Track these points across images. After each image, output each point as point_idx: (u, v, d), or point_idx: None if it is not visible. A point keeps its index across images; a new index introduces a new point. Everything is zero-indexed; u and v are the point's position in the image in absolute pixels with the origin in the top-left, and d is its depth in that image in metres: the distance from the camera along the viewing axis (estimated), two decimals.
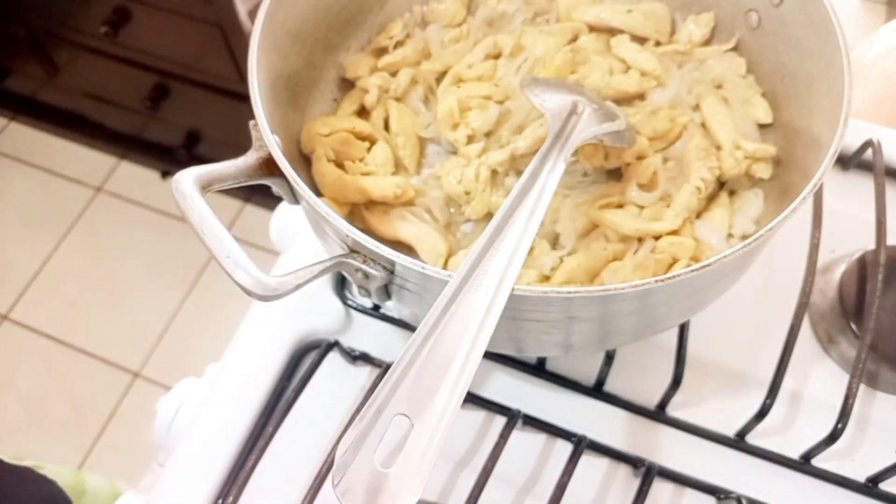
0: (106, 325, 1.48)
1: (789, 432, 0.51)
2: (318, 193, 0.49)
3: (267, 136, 0.39)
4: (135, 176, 1.67)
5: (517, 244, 0.32)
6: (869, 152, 0.57)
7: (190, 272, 1.53)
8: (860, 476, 0.49)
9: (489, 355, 0.54)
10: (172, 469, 0.51)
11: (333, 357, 0.54)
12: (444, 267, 0.46)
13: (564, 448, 0.50)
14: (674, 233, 0.47)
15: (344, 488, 0.26)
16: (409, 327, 0.55)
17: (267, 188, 0.42)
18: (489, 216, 0.49)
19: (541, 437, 0.52)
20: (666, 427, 0.52)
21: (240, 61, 1.18)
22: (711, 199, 0.50)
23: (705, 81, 0.53)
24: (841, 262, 0.57)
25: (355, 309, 0.57)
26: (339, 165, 0.50)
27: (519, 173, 0.48)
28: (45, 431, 1.37)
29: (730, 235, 0.48)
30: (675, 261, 0.46)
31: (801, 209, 0.37)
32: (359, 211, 0.50)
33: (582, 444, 0.50)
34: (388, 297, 0.40)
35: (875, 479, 0.49)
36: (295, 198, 0.43)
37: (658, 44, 0.56)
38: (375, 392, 0.28)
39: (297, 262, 0.58)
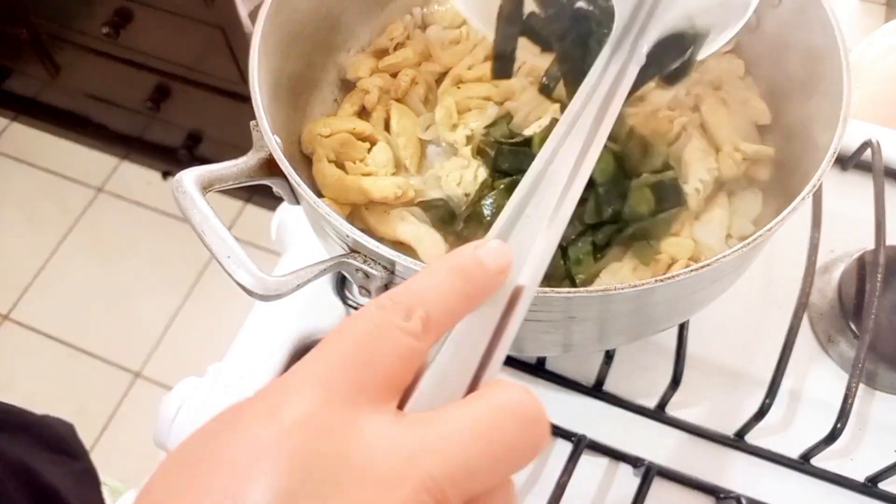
0: (107, 324, 1.48)
1: (788, 432, 0.51)
2: (319, 194, 0.49)
3: (268, 136, 0.39)
4: (136, 176, 1.67)
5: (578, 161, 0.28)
6: (868, 152, 0.57)
7: (191, 272, 1.53)
8: (859, 476, 0.50)
9: None
10: None
11: None
12: None
13: (564, 447, 0.50)
14: (672, 233, 0.47)
15: None
16: None
17: (268, 188, 0.43)
18: None
19: None
20: (665, 426, 0.52)
21: (241, 62, 1.19)
22: (710, 199, 0.50)
23: (704, 83, 0.53)
24: (840, 262, 0.57)
25: (356, 309, 0.57)
26: (340, 166, 0.50)
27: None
28: None
29: (728, 236, 0.49)
30: (673, 261, 0.46)
31: (800, 210, 0.37)
32: (359, 211, 0.50)
33: (581, 444, 0.50)
34: None
35: (874, 479, 0.49)
36: (296, 198, 0.43)
37: None
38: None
39: (298, 262, 0.58)
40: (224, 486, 0.17)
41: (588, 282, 0.45)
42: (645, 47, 0.32)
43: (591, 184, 0.44)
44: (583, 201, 0.44)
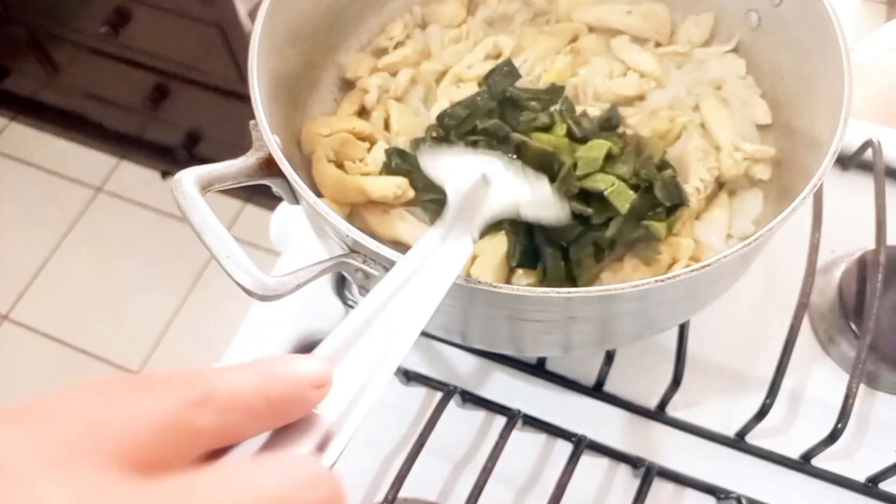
0: (106, 325, 1.48)
1: (789, 432, 0.51)
2: (318, 194, 0.49)
3: (267, 136, 0.39)
4: (135, 176, 1.67)
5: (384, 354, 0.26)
6: (869, 152, 0.57)
7: (190, 272, 1.53)
8: (860, 476, 0.50)
9: (489, 355, 0.54)
10: None
11: None
12: None
13: (564, 448, 0.50)
14: (673, 233, 0.47)
15: None
16: None
17: (267, 188, 0.43)
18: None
19: (541, 437, 0.52)
20: (666, 427, 0.52)
21: (240, 61, 1.18)
22: (711, 199, 0.50)
23: (705, 82, 0.53)
24: (841, 262, 0.57)
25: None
26: (339, 166, 0.50)
27: None
28: None
29: (729, 236, 0.48)
30: (674, 261, 0.46)
31: (800, 209, 0.37)
32: (358, 211, 0.50)
33: (582, 444, 0.50)
34: None
35: (875, 479, 0.49)
36: (295, 198, 0.43)
37: (658, 45, 0.56)
38: None
39: (298, 262, 0.58)
40: None
41: (589, 282, 0.45)
42: (476, 230, 0.35)
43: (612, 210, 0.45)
44: (601, 225, 0.45)
